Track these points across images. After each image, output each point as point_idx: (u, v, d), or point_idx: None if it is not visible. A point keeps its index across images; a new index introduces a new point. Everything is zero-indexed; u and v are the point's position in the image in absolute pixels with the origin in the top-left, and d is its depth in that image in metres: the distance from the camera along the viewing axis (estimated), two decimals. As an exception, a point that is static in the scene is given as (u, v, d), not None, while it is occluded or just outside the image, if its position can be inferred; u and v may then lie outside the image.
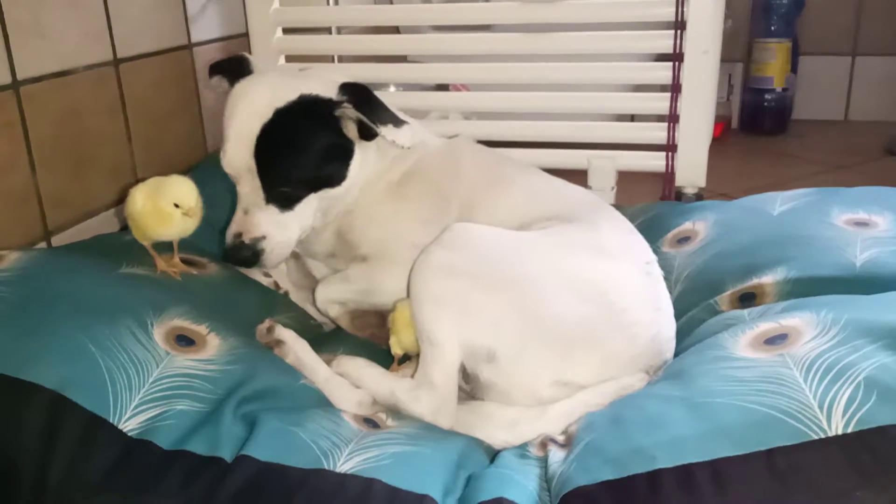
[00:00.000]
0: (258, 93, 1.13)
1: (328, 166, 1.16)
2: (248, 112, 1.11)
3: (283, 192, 1.13)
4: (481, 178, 1.26)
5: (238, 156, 1.11)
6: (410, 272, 1.07)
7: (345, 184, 1.18)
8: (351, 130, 1.16)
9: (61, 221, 1.35)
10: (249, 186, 1.13)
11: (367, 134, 1.15)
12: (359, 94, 1.13)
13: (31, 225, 1.28)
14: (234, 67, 1.21)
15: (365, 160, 1.20)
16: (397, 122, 1.12)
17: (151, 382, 0.89)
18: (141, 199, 1.11)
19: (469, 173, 1.26)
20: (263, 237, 1.13)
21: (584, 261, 1.07)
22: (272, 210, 1.13)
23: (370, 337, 1.23)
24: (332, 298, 1.23)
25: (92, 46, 1.41)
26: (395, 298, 1.15)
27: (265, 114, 1.10)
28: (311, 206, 1.17)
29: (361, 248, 1.23)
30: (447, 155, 1.29)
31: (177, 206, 1.09)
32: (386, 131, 1.11)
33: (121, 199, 1.49)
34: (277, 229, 1.14)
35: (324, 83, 1.15)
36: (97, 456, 0.82)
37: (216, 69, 1.22)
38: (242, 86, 1.15)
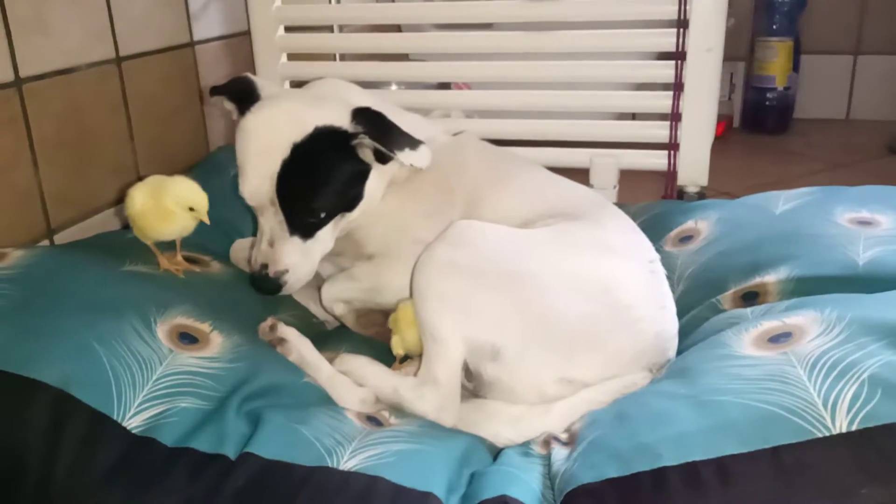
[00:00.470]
0: (274, 128, 1.12)
1: (348, 193, 1.17)
2: (266, 148, 1.11)
3: (305, 224, 1.14)
4: (486, 174, 1.26)
5: (261, 191, 1.12)
6: (414, 269, 1.07)
7: (361, 204, 1.19)
8: (367, 155, 1.16)
9: (64, 219, 1.35)
10: (273, 219, 1.14)
11: (383, 159, 1.16)
12: (373, 123, 1.13)
13: (33, 223, 1.28)
14: (238, 89, 1.19)
15: (379, 177, 1.20)
16: (413, 144, 1.12)
17: (155, 380, 0.89)
18: (140, 199, 1.11)
19: (474, 168, 1.27)
20: (286, 270, 1.14)
21: (588, 258, 1.07)
22: (296, 240, 1.14)
23: (375, 335, 1.23)
24: (338, 297, 1.23)
25: (94, 44, 1.41)
26: (401, 296, 1.15)
27: (284, 150, 1.10)
28: (330, 232, 1.18)
29: (367, 246, 1.24)
30: (453, 150, 1.29)
31: (191, 209, 1.11)
32: (403, 156, 1.11)
33: (123, 197, 1.49)
34: (301, 259, 1.15)
35: (337, 109, 1.14)
36: (101, 453, 0.82)
37: (219, 91, 1.21)
38: (255, 118, 1.14)
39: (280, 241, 1.14)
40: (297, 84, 1.87)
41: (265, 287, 1.15)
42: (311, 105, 1.16)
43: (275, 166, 1.10)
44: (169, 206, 1.10)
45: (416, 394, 1.03)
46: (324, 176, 1.13)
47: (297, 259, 1.15)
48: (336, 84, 1.30)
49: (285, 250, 1.14)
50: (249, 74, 1.22)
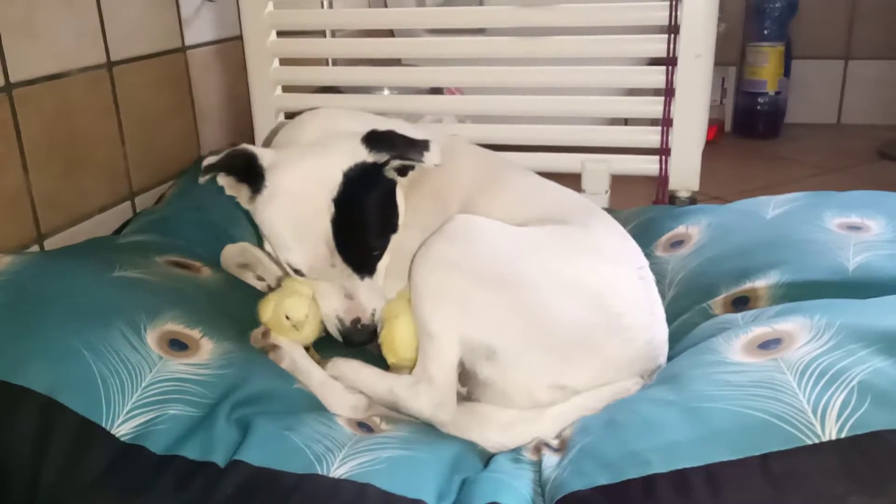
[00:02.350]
0: (305, 192, 1.09)
1: (391, 217, 1.16)
2: (308, 217, 1.08)
3: (371, 262, 1.13)
4: (477, 178, 1.26)
5: (319, 258, 1.09)
6: (411, 265, 1.07)
7: (401, 220, 1.18)
8: (391, 174, 1.15)
9: (54, 224, 1.34)
10: (341, 276, 1.11)
11: (405, 171, 1.15)
12: (390, 143, 1.12)
13: (23, 228, 1.28)
14: (237, 164, 1.12)
15: (400, 189, 1.19)
16: (426, 146, 1.11)
17: (144, 387, 0.89)
18: (269, 312, 1.12)
19: (466, 172, 1.27)
20: (375, 310, 1.12)
21: (582, 263, 1.07)
22: (367, 281, 1.13)
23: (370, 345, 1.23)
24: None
25: (85, 49, 1.41)
26: None
27: (328, 209, 1.07)
28: (385, 258, 1.16)
29: None
30: (444, 153, 1.29)
31: (287, 318, 1.10)
32: (426, 159, 1.10)
33: (114, 202, 1.49)
34: (378, 297, 1.14)
35: (348, 144, 1.12)
36: (89, 461, 0.81)
37: (216, 168, 1.12)
38: (279, 191, 1.09)
39: (357, 290, 1.12)
40: (290, 89, 1.88)
41: (363, 338, 1.12)
42: (326, 153, 1.12)
43: (326, 229, 1.07)
44: (282, 321, 1.11)
45: (412, 392, 1.02)
46: (372, 212, 1.11)
47: (376, 298, 1.13)
48: (324, 118, 1.28)
49: (366, 296, 1.12)
50: (246, 145, 1.15)
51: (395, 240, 1.17)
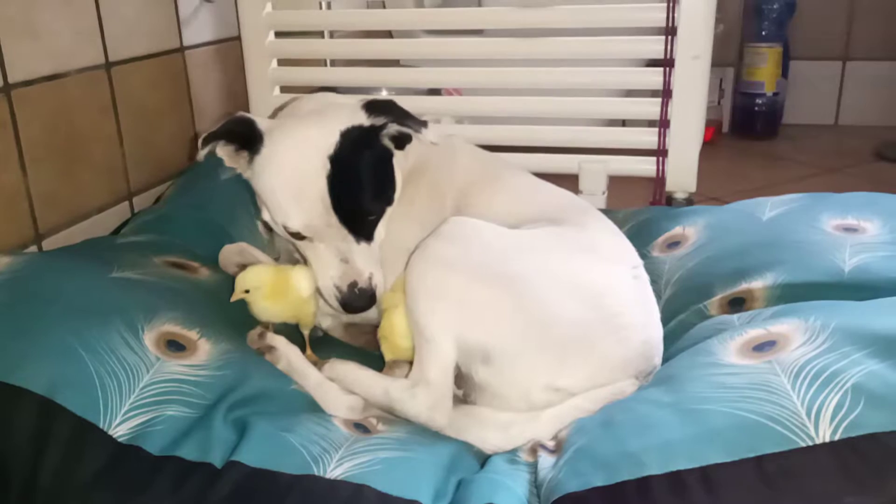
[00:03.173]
0: (301, 151, 1.09)
1: (388, 184, 1.17)
2: (304, 174, 1.08)
3: (367, 226, 1.13)
4: (475, 176, 1.26)
5: (315, 216, 1.09)
6: (407, 266, 1.07)
7: (397, 194, 1.19)
8: (389, 145, 1.15)
9: (53, 224, 1.34)
10: (336, 237, 1.11)
11: (403, 143, 1.16)
12: (389, 110, 1.13)
13: (22, 228, 1.28)
14: (236, 131, 1.13)
15: (398, 166, 1.20)
16: (424, 123, 1.13)
17: (142, 388, 0.89)
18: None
19: (463, 170, 1.27)
20: (372, 274, 1.12)
21: (578, 264, 1.07)
22: (364, 247, 1.13)
23: (365, 344, 1.23)
24: (325, 309, 1.22)
25: (83, 49, 1.41)
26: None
27: (323, 167, 1.08)
28: (382, 228, 1.16)
29: None
30: (442, 152, 1.30)
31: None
32: (423, 134, 1.11)
33: (113, 202, 1.49)
34: (375, 263, 1.14)
35: (347, 109, 1.14)
36: (86, 461, 0.82)
37: (216, 136, 1.12)
38: (275, 151, 1.11)
39: (353, 253, 1.12)
40: (288, 90, 1.88)
41: (362, 304, 1.12)
42: (325, 115, 1.14)
43: (321, 187, 1.07)
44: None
45: (408, 394, 1.02)
46: (368, 173, 1.11)
47: (373, 263, 1.14)
48: (325, 95, 1.30)
49: (362, 259, 1.12)
50: (244, 113, 1.16)
51: (392, 231, 1.18)
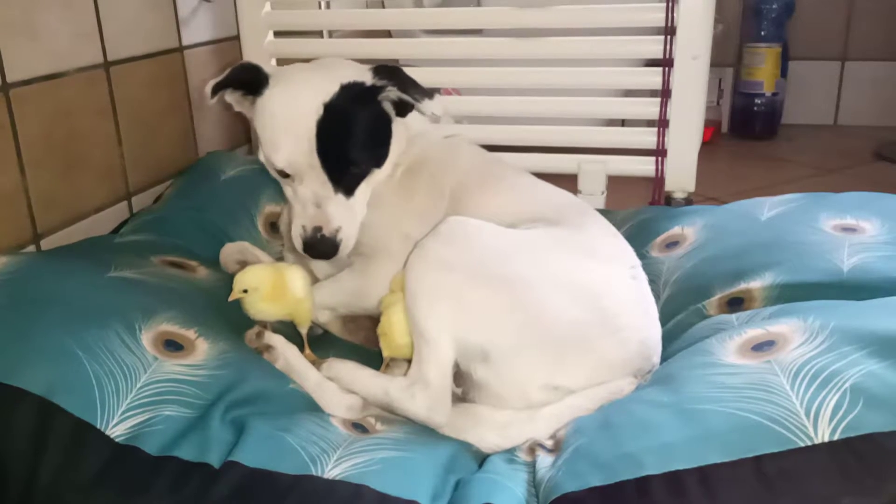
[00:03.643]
0: (300, 92, 1.15)
1: (379, 146, 1.21)
2: (298, 114, 1.13)
3: (347, 179, 1.17)
4: (475, 174, 1.27)
5: (299, 155, 1.13)
6: (406, 266, 1.07)
7: (387, 163, 1.23)
8: (389, 109, 1.20)
9: (51, 224, 1.34)
10: (315, 181, 1.15)
11: (404, 111, 1.20)
12: (395, 76, 1.17)
13: (20, 228, 1.28)
14: (244, 78, 1.20)
15: (398, 135, 1.24)
16: (430, 94, 1.17)
17: (139, 388, 0.89)
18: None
19: (464, 167, 1.28)
20: (340, 227, 1.16)
21: (577, 263, 1.07)
22: (341, 198, 1.17)
23: (364, 341, 1.23)
24: (322, 304, 1.22)
25: (82, 49, 1.40)
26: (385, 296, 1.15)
27: (317, 110, 1.13)
28: (365, 192, 1.20)
29: (360, 241, 1.23)
30: (445, 150, 1.32)
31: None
32: (425, 105, 1.15)
33: (111, 202, 1.49)
34: (349, 218, 1.17)
35: (355, 68, 1.20)
36: (84, 462, 0.81)
37: (224, 84, 1.20)
38: (277, 92, 1.17)
39: (327, 200, 1.16)
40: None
41: (322, 249, 1.16)
42: (331, 68, 1.21)
43: (310, 127, 1.12)
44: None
45: (407, 394, 1.02)
46: (358, 129, 1.16)
47: (346, 217, 1.17)
48: (337, 59, 1.32)
49: (334, 208, 1.16)
50: (250, 60, 1.24)
51: (389, 221, 1.21)
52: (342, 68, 1.20)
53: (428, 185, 1.25)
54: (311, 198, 1.16)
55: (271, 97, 1.17)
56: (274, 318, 1.16)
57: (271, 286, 1.14)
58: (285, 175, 1.17)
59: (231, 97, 1.22)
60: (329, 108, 1.13)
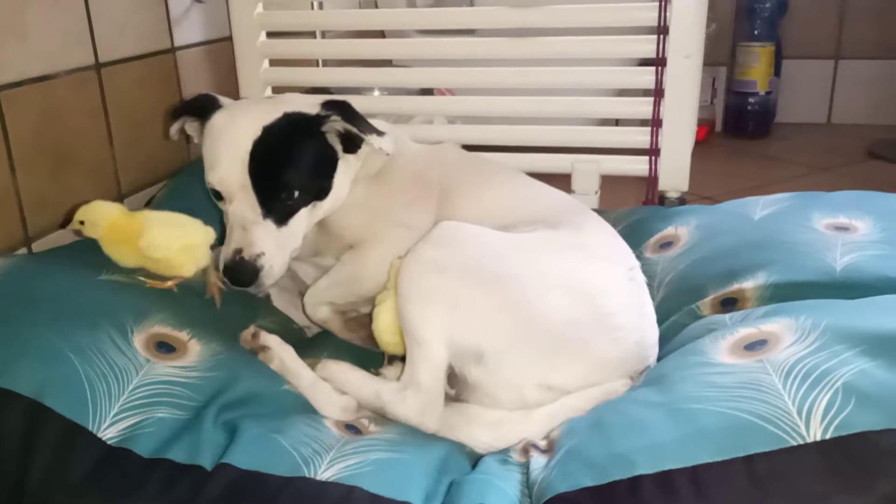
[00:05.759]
0: (244, 115, 1.15)
1: (318, 177, 1.17)
2: (237, 133, 1.12)
3: (278, 205, 1.13)
4: (467, 176, 1.27)
5: (232, 173, 1.11)
6: (400, 270, 1.06)
7: (331, 195, 1.19)
8: (335, 144, 1.18)
9: (42, 226, 1.33)
10: (245, 203, 1.12)
11: (352, 147, 1.18)
12: (343, 109, 1.16)
13: (11, 230, 1.27)
14: (201, 105, 1.20)
15: (346, 171, 1.21)
16: (379, 132, 1.15)
17: (131, 390, 0.89)
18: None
19: (455, 168, 1.28)
20: (263, 253, 1.11)
21: (572, 264, 1.07)
22: (269, 225, 1.12)
23: (363, 340, 1.23)
24: (321, 298, 1.22)
25: (73, 50, 1.40)
26: (380, 282, 1.15)
27: (255, 131, 1.11)
28: (302, 223, 1.16)
29: (347, 235, 1.23)
30: (433, 152, 1.31)
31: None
32: (372, 139, 1.14)
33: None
34: (275, 245, 1.12)
35: (305, 101, 1.19)
36: (75, 464, 0.81)
37: (182, 111, 1.21)
38: (224, 115, 1.16)
39: (253, 224, 1.11)
40: (280, 90, 1.87)
41: (241, 274, 1.10)
42: (281, 101, 1.21)
43: (245, 148, 1.10)
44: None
45: (398, 398, 1.02)
46: (295, 154, 1.14)
47: (271, 244, 1.12)
48: (297, 95, 1.32)
49: (259, 233, 1.11)
50: (211, 93, 1.23)
51: (375, 210, 1.21)
52: (292, 102, 1.19)
53: (415, 179, 1.25)
54: (240, 220, 1.12)
55: (218, 119, 1.16)
56: (125, 264, 1.13)
57: (110, 227, 1.12)
58: (220, 197, 1.14)
59: (191, 127, 1.21)
60: (268, 129, 1.11)
